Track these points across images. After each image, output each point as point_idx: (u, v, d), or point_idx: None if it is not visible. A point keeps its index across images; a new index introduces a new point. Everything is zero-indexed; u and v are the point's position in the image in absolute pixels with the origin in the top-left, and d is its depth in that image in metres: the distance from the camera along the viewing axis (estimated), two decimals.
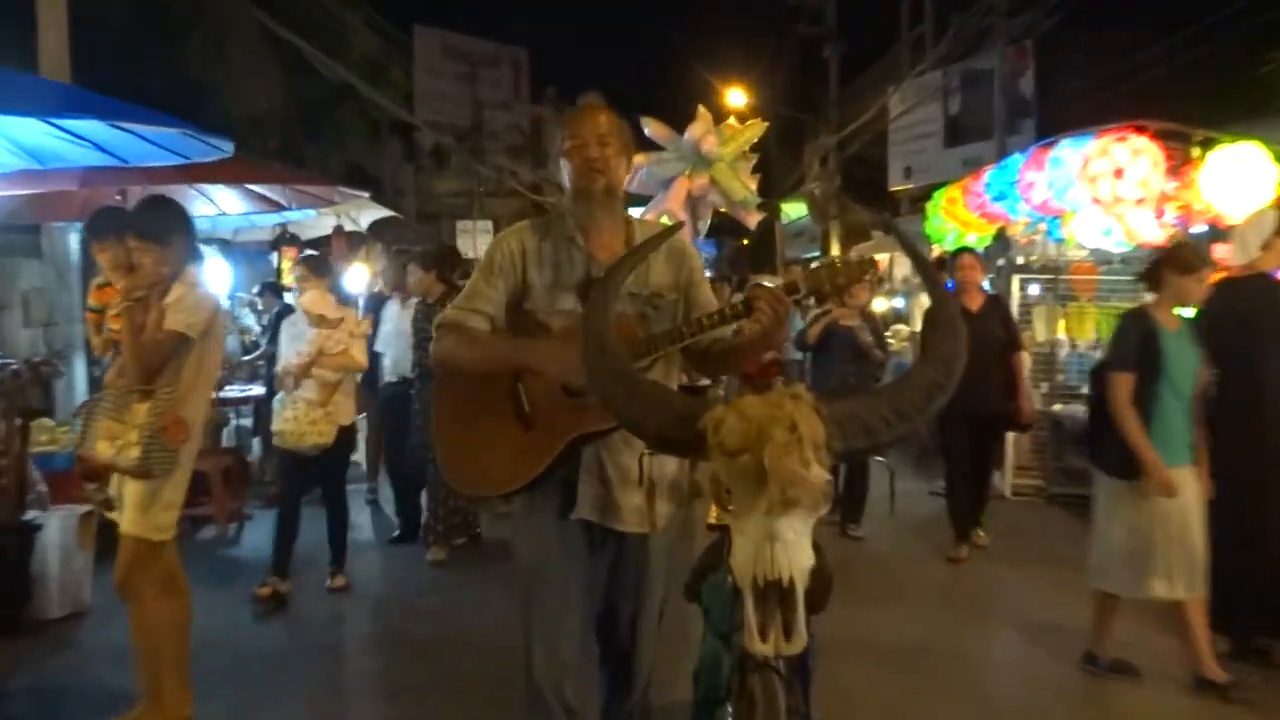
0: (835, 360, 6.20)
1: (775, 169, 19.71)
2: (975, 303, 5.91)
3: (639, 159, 6.26)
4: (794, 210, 19.55)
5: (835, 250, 16.67)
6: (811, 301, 3.93)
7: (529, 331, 2.35)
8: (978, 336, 5.02)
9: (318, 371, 5.08)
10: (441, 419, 2.42)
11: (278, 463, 5.55)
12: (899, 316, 12.59)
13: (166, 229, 3.39)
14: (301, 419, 5.04)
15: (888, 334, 8.03)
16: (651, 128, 6.06)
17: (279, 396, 5.20)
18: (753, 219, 6.35)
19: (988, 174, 7.44)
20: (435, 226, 18.91)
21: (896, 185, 16.18)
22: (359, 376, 5.48)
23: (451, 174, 19.78)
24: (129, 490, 3.32)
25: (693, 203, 6.12)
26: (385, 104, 13.76)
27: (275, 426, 5.14)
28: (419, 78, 18.57)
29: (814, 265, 2.58)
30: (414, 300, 6.04)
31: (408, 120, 16.44)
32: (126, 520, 3.33)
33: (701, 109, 6.16)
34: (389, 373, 6.42)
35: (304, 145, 14.04)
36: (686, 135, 6.01)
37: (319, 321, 5.12)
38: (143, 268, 3.38)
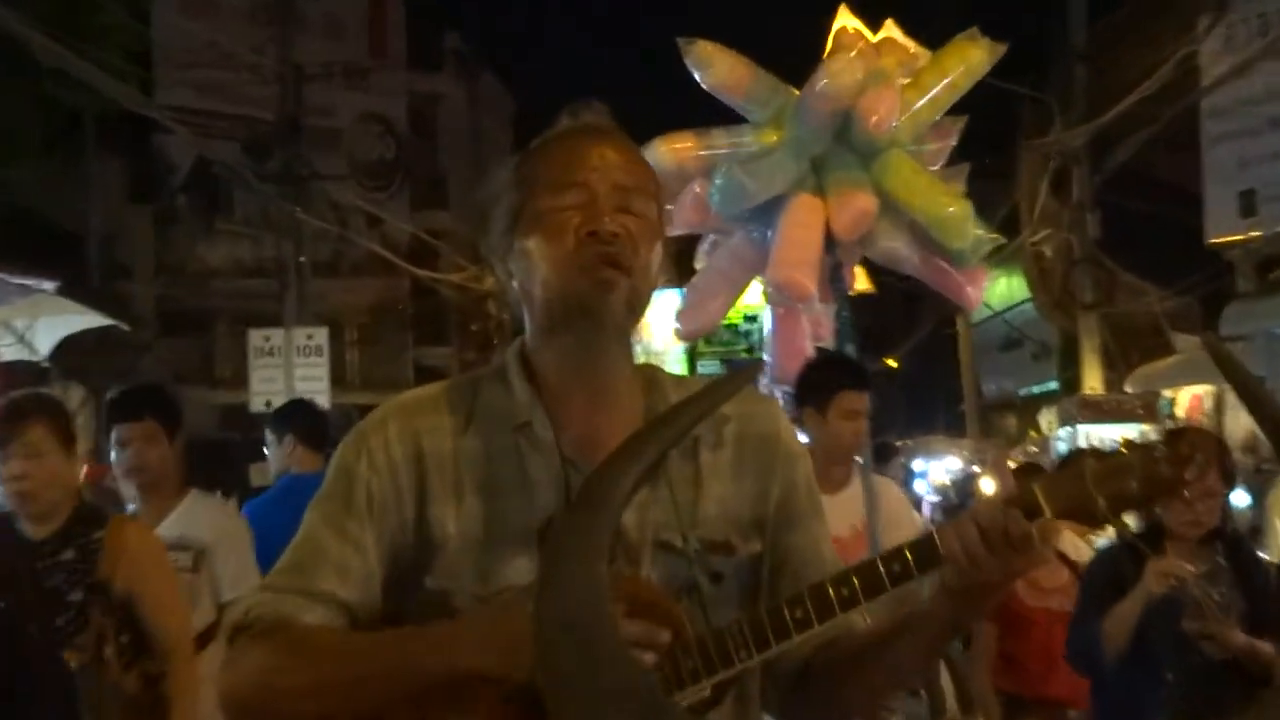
0: (1158, 656, 6.02)
1: None
2: None
3: (687, 146, 6.29)
4: (995, 291, 19.83)
5: (1092, 379, 16.81)
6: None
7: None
8: None
9: None
10: None
11: None
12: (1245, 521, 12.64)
13: None
14: None
15: None
16: (717, 65, 5.99)
17: None
18: (978, 289, 6.25)
19: None
20: (200, 340, 19.21)
21: (1223, 234, 16.44)
22: None
23: (237, 226, 20.14)
24: None
25: (834, 259, 5.92)
26: (91, 74, 14.05)
27: None
28: (164, 18, 19.15)
29: (1081, 448, 2.62)
30: None
31: (139, 111, 16.92)
32: None
33: (844, 16, 6.12)
34: None
35: None
36: (817, 86, 5.87)
37: None
38: None
